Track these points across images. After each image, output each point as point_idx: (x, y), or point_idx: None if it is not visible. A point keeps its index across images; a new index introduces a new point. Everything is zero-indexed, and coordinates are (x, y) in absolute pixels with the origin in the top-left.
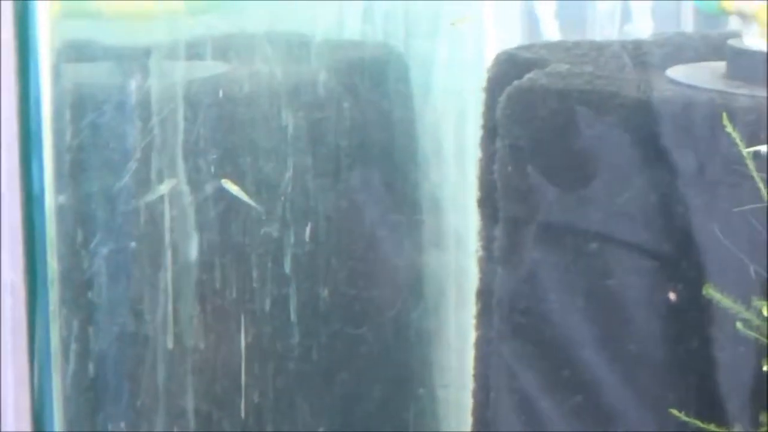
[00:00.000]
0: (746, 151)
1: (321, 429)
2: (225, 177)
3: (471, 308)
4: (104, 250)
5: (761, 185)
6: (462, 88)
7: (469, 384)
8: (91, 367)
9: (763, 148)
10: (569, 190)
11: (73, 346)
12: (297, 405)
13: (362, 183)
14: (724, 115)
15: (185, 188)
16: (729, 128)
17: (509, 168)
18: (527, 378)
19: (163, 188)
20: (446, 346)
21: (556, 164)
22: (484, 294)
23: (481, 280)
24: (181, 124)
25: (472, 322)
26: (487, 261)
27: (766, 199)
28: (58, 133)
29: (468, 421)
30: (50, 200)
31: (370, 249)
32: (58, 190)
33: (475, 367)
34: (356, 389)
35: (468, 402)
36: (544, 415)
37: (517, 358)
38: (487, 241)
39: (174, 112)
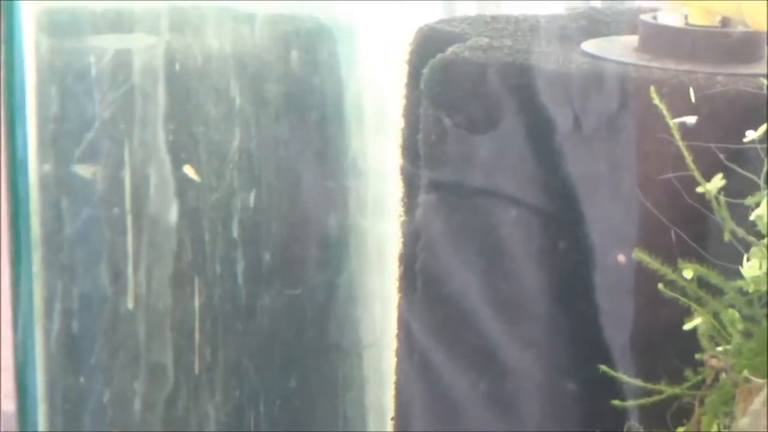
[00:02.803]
0: (673, 122)
1: (262, 381)
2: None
3: (394, 271)
4: (80, 216)
5: (685, 153)
6: (385, 60)
7: (393, 344)
8: (72, 325)
9: (689, 119)
10: (490, 158)
11: (56, 305)
12: (242, 358)
13: (297, 151)
14: (652, 88)
15: (155, 157)
16: (656, 100)
17: (433, 137)
18: (442, 336)
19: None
20: (371, 308)
21: (478, 133)
22: (406, 258)
23: (403, 245)
24: (139, 94)
25: (395, 284)
26: (409, 227)
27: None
28: (41, 101)
29: (392, 378)
30: (33, 167)
31: (304, 215)
32: (41, 157)
33: (398, 328)
34: (293, 346)
35: (392, 360)
36: (458, 368)
37: (435, 318)
38: (409, 207)
39: (132, 81)
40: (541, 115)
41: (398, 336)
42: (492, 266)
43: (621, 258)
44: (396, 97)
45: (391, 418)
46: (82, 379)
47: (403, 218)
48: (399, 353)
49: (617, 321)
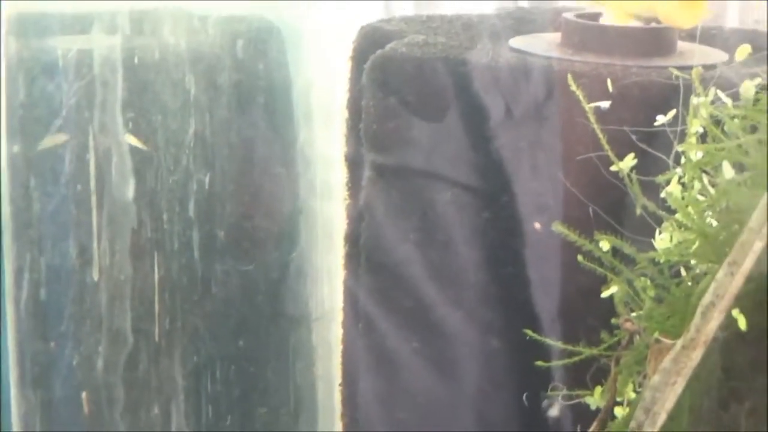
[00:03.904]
0: (589, 106)
1: (217, 348)
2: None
3: (340, 249)
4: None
5: (600, 136)
6: (330, 57)
7: (339, 316)
8: (40, 293)
9: (603, 104)
10: (426, 143)
11: (25, 275)
12: (199, 327)
13: (249, 139)
14: (570, 75)
15: (115, 141)
16: (573, 86)
17: (374, 126)
18: (385, 307)
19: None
20: (320, 283)
21: (415, 121)
22: (351, 237)
23: (348, 225)
24: (102, 86)
25: (341, 261)
26: (353, 208)
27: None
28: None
29: (339, 348)
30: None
31: (256, 197)
32: (11, 141)
33: (344, 301)
34: (246, 317)
35: (339, 332)
36: (399, 335)
37: (378, 290)
38: (353, 190)
39: (97, 75)
40: (472, 104)
41: (344, 309)
42: (428, 240)
43: (537, 226)
44: (341, 90)
45: (339, 385)
46: (52, 344)
47: (347, 200)
48: (345, 325)
49: (543, 288)
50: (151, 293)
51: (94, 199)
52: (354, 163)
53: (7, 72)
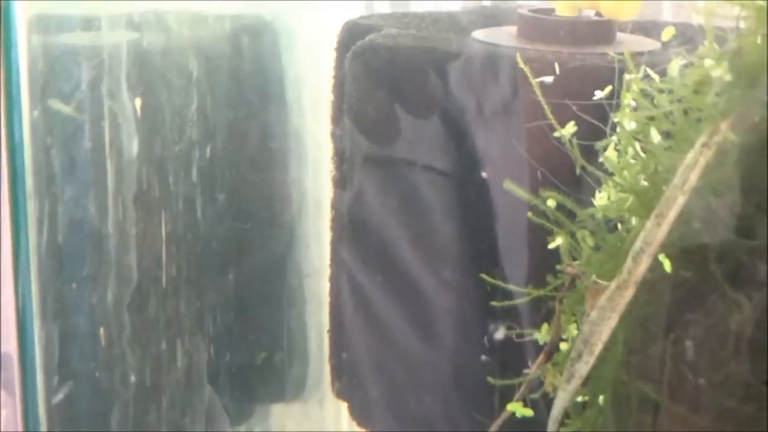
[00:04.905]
0: (535, 81)
1: (219, 296)
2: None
3: (327, 215)
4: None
5: (547, 109)
6: (317, 49)
7: (327, 273)
8: (59, 238)
9: (546, 79)
10: (400, 123)
11: (45, 224)
12: (202, 278)
13: (245, 116)
14: (518, 55)
15: (125, 116)
16: (521, 64)
17: (355, 107)
18: (365, 265)
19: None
20: (310, 245)
21: (389, 101)
22: (336, 204)
23: (334, 193)
24: (113, 66)
25: (329, 225)
26: (339, 179)
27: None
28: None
29: (327, 300)
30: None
31: (251, 167)
32: (33, 107)
33: (331, 260)
34: (244, 270)
35: (326, 286)
36: (378, 289)
37: (359, 251)
38: (338, 164)
39: (108, 56)
40: (439, 87)
41: (331, 266)
42: (403, 207)
43: (484, 175)
44: (327, 77)
45: (327, 331)
46: (74, 286)
47: (333, 172)
48: (332, 280)
49: (507, 252)
50: (159, 245)
51: (109, 163)
52: (339, 141)
53: (30, 56)
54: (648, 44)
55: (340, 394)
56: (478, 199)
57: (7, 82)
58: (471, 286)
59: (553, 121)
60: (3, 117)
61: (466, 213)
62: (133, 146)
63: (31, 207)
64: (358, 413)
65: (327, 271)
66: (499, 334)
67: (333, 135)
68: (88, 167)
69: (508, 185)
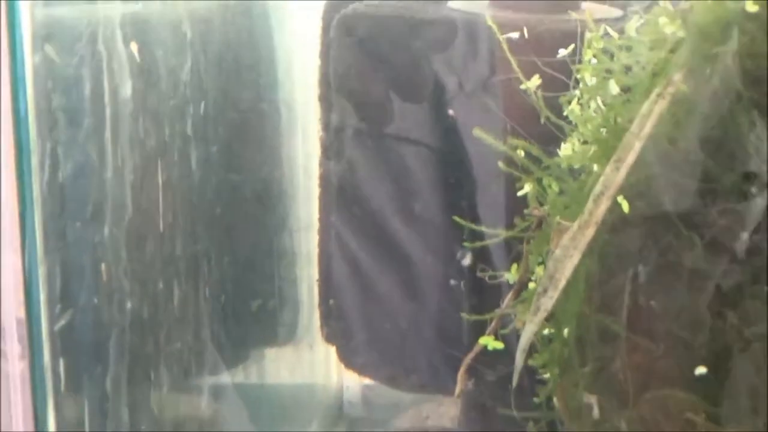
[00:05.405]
0: (502, 37)
1: (212, 243)
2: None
3: (316, 172)
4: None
5: (514, 65)
6: (305, 17)
7: (316, 227)
8: (59, 178)
9: (513, 35)
10: (382, 81)
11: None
12: (197, 225)
13: (236, 77)
14: (488, 18)
15: (124, 68)
16: (489, 23)
17: (340, 69)
18: (350, 218)
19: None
20: (299, 200)
21: (371, 64)
22: (324, 162)
23: (322, 152)
24: (113, 27)
25: (317, 182)
26: (326, 139)
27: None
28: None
29: (316, 251)
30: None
31: (243, 124)
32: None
33: (319, 215)
34: (236, 221)
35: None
36: (362, 243)
37: (345, 206)
38: (325, 125)
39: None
40: (418, 50)
41: (319, 221)
42: (383, 162)
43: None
44: (314, 45)
45: (316, 281)
46: (78, 224)
47: (321, 133)
48: (320, 234)
49: (485, 207)
50: (156, 192)
51: (107, 111)
52: (326, 102)
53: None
54: (610, 11)
55: (329, 338)
56: (457, 159)
57: (10, 27)
58: (448, 236)
59: (520, 76)
60: (6, 62)
61: (447, 172)
62: (128, 98)
63: (35, 149)
64: (345, 355)
65: (315, 225)
66: (466, 261)
67: (320, 97)
68: (86, 112)
69: (478, 132)
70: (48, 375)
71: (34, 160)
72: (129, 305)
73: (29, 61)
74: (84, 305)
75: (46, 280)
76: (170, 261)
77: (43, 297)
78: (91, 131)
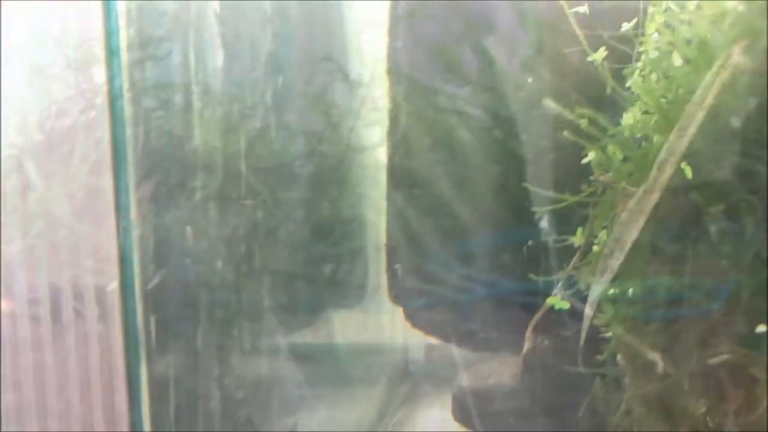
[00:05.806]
0: (569, 11)
1: (289, 214)
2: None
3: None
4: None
5: (582, 39)
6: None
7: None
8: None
9: (581, 8)
10: (445, 50)
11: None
12: (275, 196)
13: (306, 37)
14: None
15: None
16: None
17: (405, 45)
18: (421, 201)
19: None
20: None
21: (435, 36)
22: (391, 123)
23: (390, 114)
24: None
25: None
26: (392, 102)
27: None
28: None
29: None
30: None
31: (319, 98)
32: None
33: (387, 188)
34: (316, 194)
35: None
36: (431, 226)
37: (411, 189)
38: (392, 98)
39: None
40: (483, 24)
41: (387, 189)
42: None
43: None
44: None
45: (384, 246)
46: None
47: (389, 105)
48: (387, 201)
49: (535, 164)
50: (238, 160)
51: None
52: (393, 76)
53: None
54: None
55: (396, 300)
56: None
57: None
58: (512, 202)
59: (587, 48)
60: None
61: (503, 143)
62: (212, 65)
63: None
64: (411, 316)
65: (383, 194)
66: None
67: (388, 71)
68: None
69: (547, 102)
70: (140, 333)
71: (129, 131)
72: (211, 264)
73: (124, 35)
74: (175, 266)
75: (139, 244)
76: (250, 228)
77: (136, 259)
78: (181, 102)
